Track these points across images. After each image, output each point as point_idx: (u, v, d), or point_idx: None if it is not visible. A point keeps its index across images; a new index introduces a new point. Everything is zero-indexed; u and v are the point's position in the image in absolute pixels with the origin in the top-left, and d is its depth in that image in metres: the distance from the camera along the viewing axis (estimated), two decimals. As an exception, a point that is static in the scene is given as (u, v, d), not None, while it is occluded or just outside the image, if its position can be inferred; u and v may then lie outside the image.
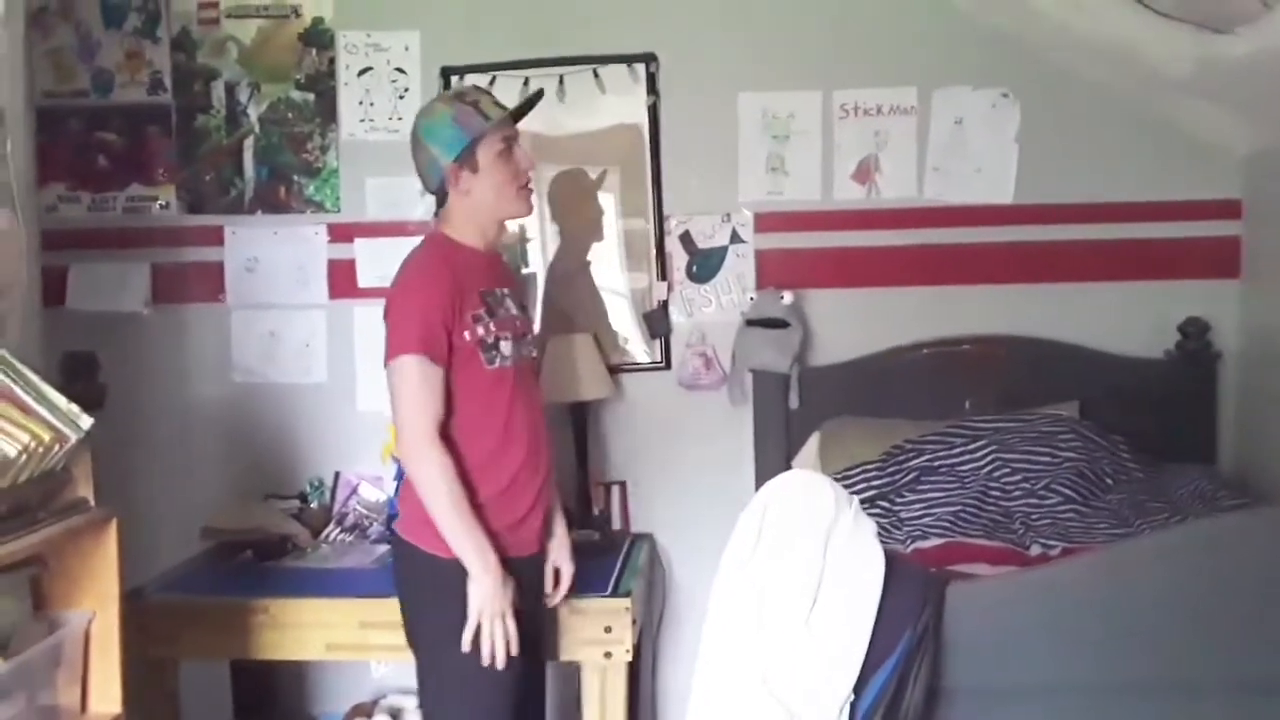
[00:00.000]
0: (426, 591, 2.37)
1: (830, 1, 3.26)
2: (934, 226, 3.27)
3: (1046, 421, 3.01)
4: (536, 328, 3.37)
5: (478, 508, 2.28)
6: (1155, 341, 3.23)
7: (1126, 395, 3.18)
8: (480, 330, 2.31)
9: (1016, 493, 2.80)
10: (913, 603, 1.13)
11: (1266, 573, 1.15)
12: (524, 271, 3.44)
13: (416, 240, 3.25)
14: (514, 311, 2.44)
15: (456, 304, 2.28)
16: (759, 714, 1.08)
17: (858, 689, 1.11)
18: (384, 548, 3.13)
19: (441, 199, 2.45)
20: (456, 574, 2.27)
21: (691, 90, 3.30)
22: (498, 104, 2.40)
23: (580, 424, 3.25)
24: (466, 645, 2.26)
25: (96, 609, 2.15)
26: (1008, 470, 2.84)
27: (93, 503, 2.12)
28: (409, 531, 2.38)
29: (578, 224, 3.43)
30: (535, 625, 2.46)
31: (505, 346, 2.35)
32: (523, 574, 2.37)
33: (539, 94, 2.61)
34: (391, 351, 2.27)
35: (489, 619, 2.24)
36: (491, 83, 3.32)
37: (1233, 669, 1.15)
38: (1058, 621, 1.16)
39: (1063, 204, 3.23)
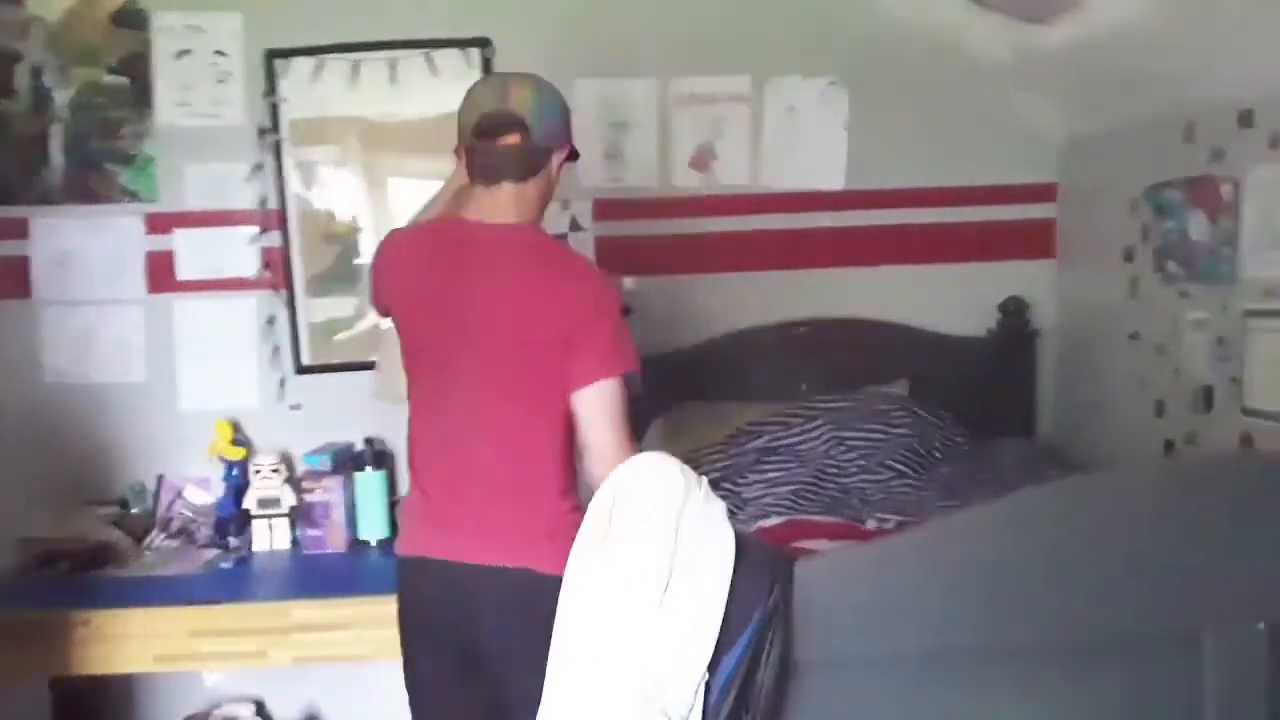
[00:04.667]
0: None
1: (664, -10, 3.27)
2: (769, 213, 3.32)
3: (879, 400, 3.10)
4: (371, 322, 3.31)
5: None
6: (978, 320, 3.36)
7: (952, 373, 3.30)
8: None
9: (853, 469, 2.87)
10: (762, 581, 1.14)
11: (1077, 540, 1.20)
12: (355, 262, 3.34)
13: (243, 230, 3.22)
14: None
15: None
16: (617, 701, 1.07)
17: (711, 667, 1.11)
18: (213, 553, 3.01)
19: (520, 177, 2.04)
20: None
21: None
22: None
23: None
24: None
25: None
26: (844, 448, 2.91)
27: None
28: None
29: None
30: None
31: None
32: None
33: None
34: (623, 365, 2.01)
35: None
36: (319, 67, 3.23)
37: (1054, 632, 1.20)
38: (897, 591, 1.18)
39: (890, 189, 3.32)
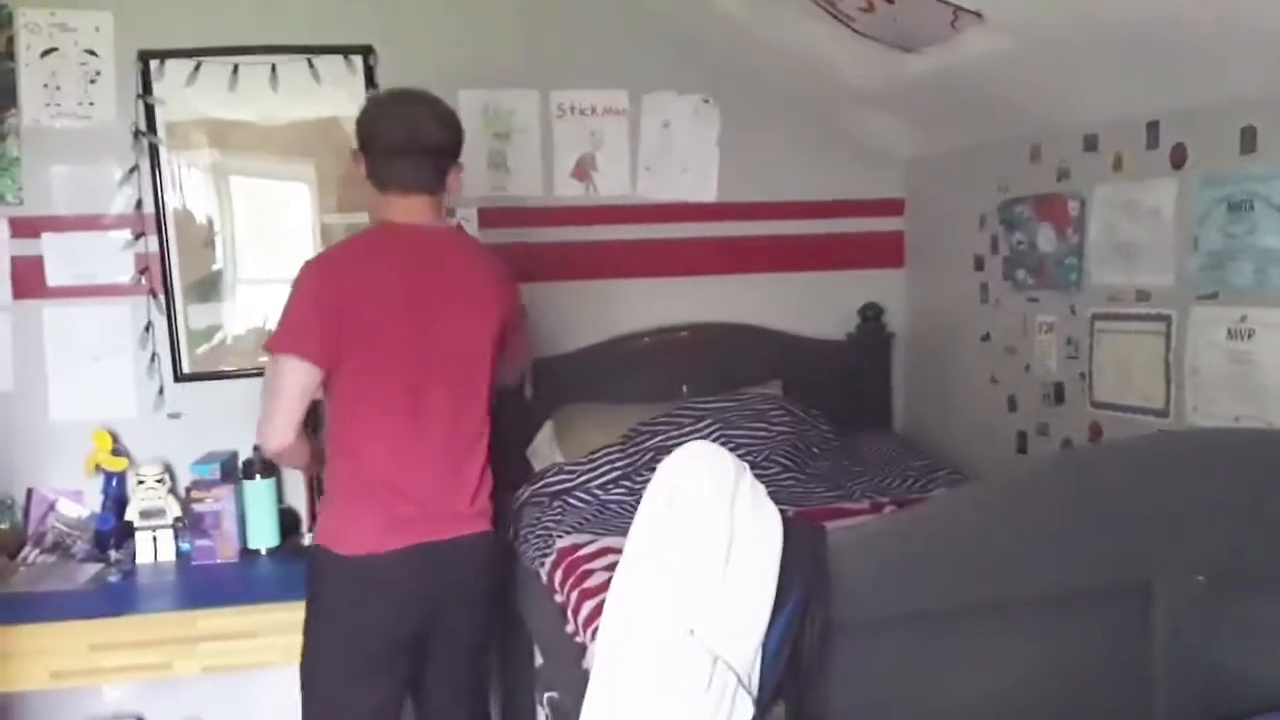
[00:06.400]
0: None
1: (545, 5, 3.37)
2: (647, 222, 3.47)
3: (758, 400, 3.29)
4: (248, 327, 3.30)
5: None
6: (839, 324, 3.62)
7: (818, 373, 3.54)
8: None
9: (742, 465, 3.05)
10: (803, 551, 1.28)
11: (1061, 507, 1.41)
12: (214, 268, 3.30)
13: (116, 234, 3.13)
14: None
15: None
16: (690, 661, 1.18)
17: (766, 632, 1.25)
18: (95, 567, 2.92)
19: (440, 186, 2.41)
20: None
21: (410, 85, 3.27)
22: None
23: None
24: None
25: None
26: (732, 445, 3.02)
27: None
28: None
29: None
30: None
31: None
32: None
33: None
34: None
35: None
36: (197, 69, 3.18)
37: (1038, 587, 1.40)
38: (912, 558, 1.35)
39: (759, 202, 3.54)
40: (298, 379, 2.23)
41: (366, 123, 2.41)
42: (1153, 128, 2.53)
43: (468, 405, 2.37)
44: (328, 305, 2.24)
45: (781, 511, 2.52)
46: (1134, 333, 2.60)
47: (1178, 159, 2.46)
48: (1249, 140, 2.26)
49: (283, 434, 2.27)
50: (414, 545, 2.28)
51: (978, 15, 2.40)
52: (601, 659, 1.28)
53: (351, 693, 2.33)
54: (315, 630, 2.36)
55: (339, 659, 2.32)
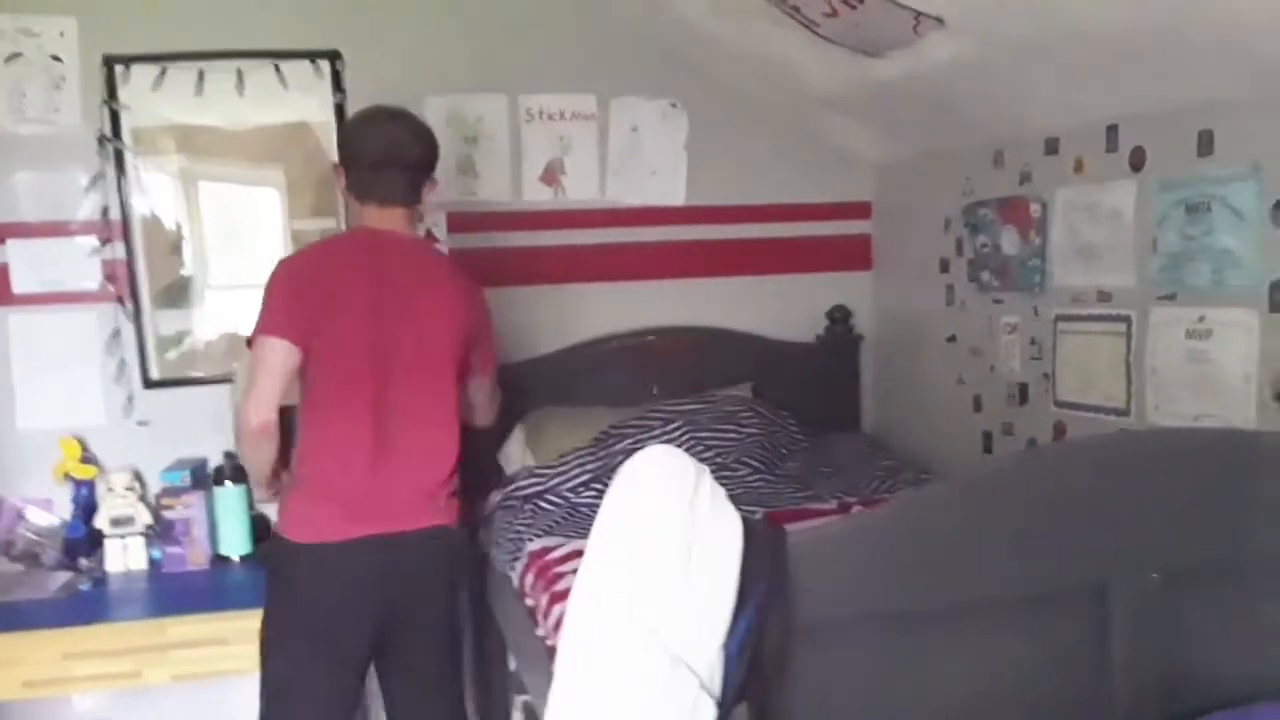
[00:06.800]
0: None
1: (512, 10, 3.38)
2: (616, 226, 3.49)
3: (728, 402, 3.32)
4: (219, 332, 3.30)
5: None
6: (808, 327, 3.65)
7: (788, 375, 3.57)
8: None
9: (711, 467, 3.03)
10: (763, 554, 1.30)
11: (1018, 509, 1.43)
12: (182, 273, 3.30)
13: (83, 241, 3.12)
14: None
15: None
16: (649, 663, 1.20)
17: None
18: (66, 575, 2.90)
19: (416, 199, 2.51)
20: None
21: (378, 90, 3.23)
22: None
23: (286, 430, 3.17)
24: None
25: None
26: (702, 447, 3.11)
27: None
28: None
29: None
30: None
31: None
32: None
33: None
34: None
35: None
36: (162, 74, 3.17)
37: (996, 589, 1.43)
38: (871, 560, 1.37)
39: (727, 205, 3.57)
40: (277, 356, 2.30)
41: (348, 140, 2.54)
42: (1112, 131, 2.57)
43: (432, 404, 2.42)
44: (299, 295, 2.33)
45: (748, 513, 2.55)
46: (1096, 333, 2.64)
47: (1137, 162, 2.50)
48: (1205, 143, 2.30)
49: (263, 410, 2.31)
50: (371, 535, 2.33)
51: (939, 20, 2.43)
52: (563, 661, 1.29)
53: (304, 676, 2.37)
54: (272, 612, 2.42)
55: (293, 641, 2.37)
